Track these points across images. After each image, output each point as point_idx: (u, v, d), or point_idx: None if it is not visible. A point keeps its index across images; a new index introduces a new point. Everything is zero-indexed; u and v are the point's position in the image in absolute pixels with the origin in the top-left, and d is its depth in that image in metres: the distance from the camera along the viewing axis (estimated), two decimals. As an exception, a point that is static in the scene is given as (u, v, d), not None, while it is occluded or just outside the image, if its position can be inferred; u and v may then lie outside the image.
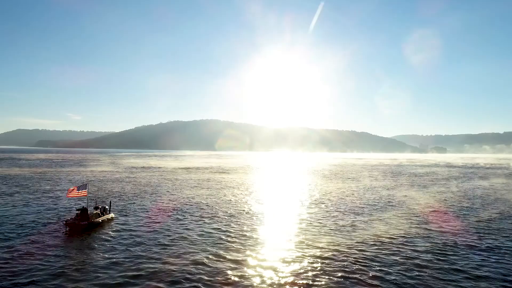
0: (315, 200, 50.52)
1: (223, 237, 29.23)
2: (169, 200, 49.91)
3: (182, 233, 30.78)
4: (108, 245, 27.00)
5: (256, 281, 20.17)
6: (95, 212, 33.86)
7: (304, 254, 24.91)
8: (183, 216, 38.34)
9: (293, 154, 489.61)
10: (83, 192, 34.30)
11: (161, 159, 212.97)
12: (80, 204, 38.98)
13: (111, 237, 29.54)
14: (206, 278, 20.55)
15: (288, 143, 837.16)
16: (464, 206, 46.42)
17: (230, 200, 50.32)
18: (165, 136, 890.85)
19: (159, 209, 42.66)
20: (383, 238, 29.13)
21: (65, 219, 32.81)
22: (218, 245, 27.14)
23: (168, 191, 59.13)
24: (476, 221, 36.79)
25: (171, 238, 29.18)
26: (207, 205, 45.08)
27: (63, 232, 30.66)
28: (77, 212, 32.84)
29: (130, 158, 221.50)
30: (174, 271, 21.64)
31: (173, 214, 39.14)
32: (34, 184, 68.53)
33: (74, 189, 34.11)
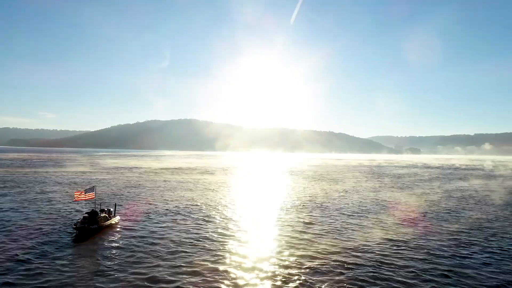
0: (304, 203, 50.15)
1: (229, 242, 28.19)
2: (167, 202, 49.07)
3: (192, 237, 30.40)
4: (120, 250, 26.15)
5: None
6: (103, 215, 32.84)
7: (292, 262, 24.19)
8: (186, 219, 38.08)
9: (272, 155, 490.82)
10: (91, 195, 33.63)
11: (141, 160, 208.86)
12: (75, 207, 37.74)
13: (122, 241, 28.69)
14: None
15: (267, 143, 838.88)
16: (451, 208, 47.06)
17: (224, 203, 49.38)
18: (143, 135, 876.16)
19: (159, 211, 42.09)
20: (376, 242, 28.94)
21: (75, 223, 31.57)
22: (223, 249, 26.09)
23: (162, 193, 57.71)
24: (466, 223, 37.33)
25: (180, 241, 28.81)
26: (203, 208, 43.81)
27: (73, 237, 29.60)
28: (86, 215, 31.69)
29: (108, 158, 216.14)
30: (189, 276, 21.24)
31: (178, 217, 38.66)
32: (26, 186, 65.85)
33: (81, 192, 33.46)
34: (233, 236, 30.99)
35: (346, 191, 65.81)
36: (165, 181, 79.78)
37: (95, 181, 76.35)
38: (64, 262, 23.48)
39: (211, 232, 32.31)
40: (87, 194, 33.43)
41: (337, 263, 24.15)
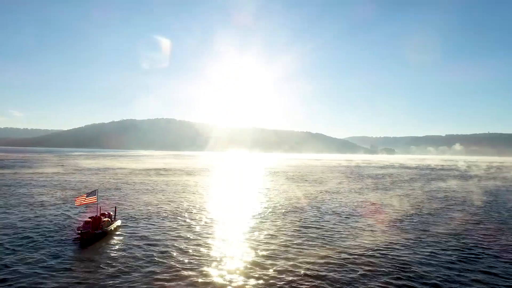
0: (287, 207, 48.99)
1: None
2: (163, 204, 47.89)
3: (196, 242, 29.56)
4: (127, 255, 25.66)
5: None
6: (105, 219, 31.94)
7: (287, 269, 22.94)
8: (188, 221, 37.70)
9: (250, 155, 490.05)
10: (93, 199, 32.78)
11: (117, 160, 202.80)
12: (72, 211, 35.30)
13: (127, 246, 28.13)
14: None
15: (244, 143, 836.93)
16: (437, 210, 46.90)
17: (208, 208, 47.51)
18: (119, 135, 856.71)
19: (159, 214, 41.22)
20: (366, 247, 27.96)
21: (78, 228, 30.24)
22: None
23: (156, 195, 55.39)
24: (456, 226, 37.10)
25: (184, 246, 28.41)
26: (195, 211, 41.92)
27: (78, 242, 28.73)
28: (88, 220, 30.52)
29: (82, 159, 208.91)
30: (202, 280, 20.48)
31: (176, 220, 38.19)
32: (8, 188, 61.99)
33: (82, 196, 32.77)
34: (231, 243, 29.39)
35: (329, 193, 65.20)
36: (143, 183, 76.94)
37: (67, 183, 72.70)
38: (71, 267, 23.11)
39: (209, 237, 30.60)
40: (88, 198, 32.65)
41: (324, 270, 22.99)
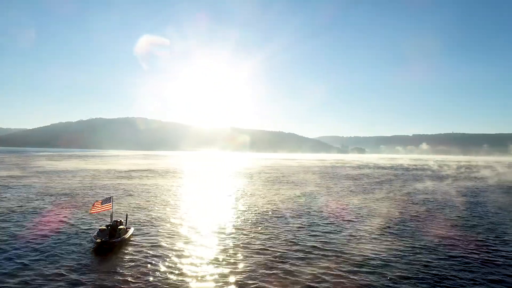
0: (266, 213, 45.23)
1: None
2: (169, 210, 43.80)
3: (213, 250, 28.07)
4: (150, 265, 24.50)
5: None
6: (122, 227, 30.28)
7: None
8: (198, 228, 35.66)
9: (222, 154, 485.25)
10: (108, 206, 31.25)
11: (85, 160, 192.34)
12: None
13: (146, 255, 26.70)
14: None
15: (216, 142, 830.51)
16: (424, 214, 45.00)
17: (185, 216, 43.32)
18: (87, 134, 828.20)
19: (168, 221, 38.67)
20: (357, 259, 24.60)
21: (95, 237, 28.54)
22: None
23: (156, 200, 49.82)
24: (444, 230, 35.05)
25: (201, 256, 26.70)
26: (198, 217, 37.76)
27: (95, 252, 27.06)
28: (103, 228, 29.31)
29: (47, 159, 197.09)
30: None
31: (184, 227, 36.28)
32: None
33: (98, 203, 31.23)
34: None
35: (309, 197, 61.89)
36: (119, 184, 71.02)
37: (26, 189, 65.88)
38: (95, 281, 21.67)
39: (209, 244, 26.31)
40: (104, 205, 31.03)
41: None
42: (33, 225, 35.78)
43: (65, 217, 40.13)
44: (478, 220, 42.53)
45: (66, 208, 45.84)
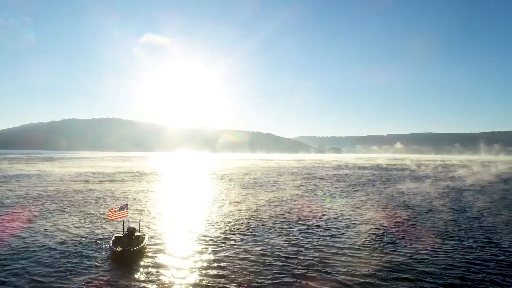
0: (250, 221, 41.36)
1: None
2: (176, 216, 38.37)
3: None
4: (174, 274, 23.43)
5: None
6: (139, 234, 29.51)
7: None
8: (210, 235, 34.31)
9: (199, 155, 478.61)
10: (125, 213, 30.33)
11: (55, 163, 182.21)
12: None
13: (166, 263, 25.50)
14: None
15: (193, 143, 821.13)
16: (410, 218, 42.16)
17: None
18: (59, 135, 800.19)
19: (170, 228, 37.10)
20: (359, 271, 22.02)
21: (114, 245, 27.11)
22: None
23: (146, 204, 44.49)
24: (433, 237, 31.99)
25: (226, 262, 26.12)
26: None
27: (115, 262, 25.50)
28: (120, 235, 28.82)
29: (15, 162, 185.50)
30: None
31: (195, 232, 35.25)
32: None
33: (114, 209, 30.59)
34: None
35: (292, 201, 58.07)
36: (92, 190, 64.89)
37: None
38: None
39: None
40: (120, 212, 30.15)
41: None
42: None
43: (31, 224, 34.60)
44: (471, 223, 39.83)
45: (24, 216, 40.15)
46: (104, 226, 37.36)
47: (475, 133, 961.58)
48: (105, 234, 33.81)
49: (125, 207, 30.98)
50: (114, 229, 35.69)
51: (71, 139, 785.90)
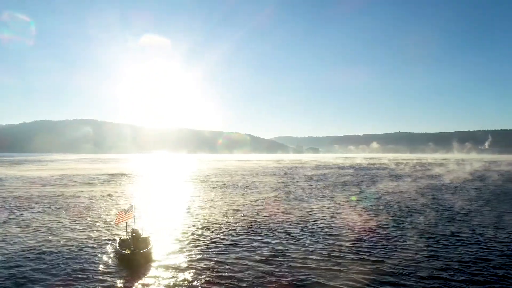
0: (226, 223, 39.30)
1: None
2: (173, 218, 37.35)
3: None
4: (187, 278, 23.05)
5: None
6: (146, 236, 28.89)
7: None
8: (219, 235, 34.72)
9: (177, 156, 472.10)
10: (130, 215, 29.82)
11: (25, 166, 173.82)
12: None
13: (174, 266, 25.38)
14: None
15: (169, 144, 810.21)
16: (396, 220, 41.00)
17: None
18: (30, 137, 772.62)
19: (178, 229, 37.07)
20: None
21: (121, 248, 27.23)
22: None
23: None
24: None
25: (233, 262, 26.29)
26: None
27: (126, 264, 25.31)
28: (125, 238, 28.94)
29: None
30: None
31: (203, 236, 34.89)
32: None
33: (121, 212, 30.07)
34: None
35: (274, 203, 56.19)
36: (60, 194, 60.78)
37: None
38: None
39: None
40: (127, 214, 29.61)
41: None
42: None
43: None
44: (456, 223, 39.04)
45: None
46: (100, 229, 36.65)
47: (447, 132, 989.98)
48: (101, 236, 33.07)
49: (131, 208, 30.48)
50: (111, 230, 34.60)
51: (43, 141, 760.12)
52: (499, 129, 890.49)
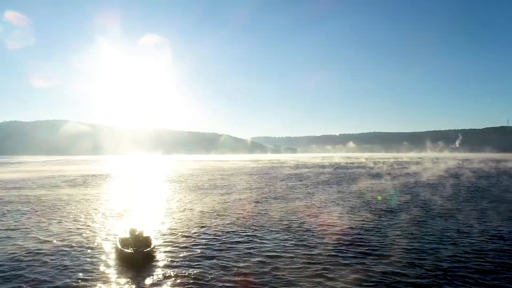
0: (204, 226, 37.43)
1: None
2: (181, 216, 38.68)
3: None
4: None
5: None
6: (147, 236, 28.45)
7: None
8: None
9: (150, 157, 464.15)
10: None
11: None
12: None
13: (178, 265, 24.94)
14: None
15: (144, 145, 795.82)
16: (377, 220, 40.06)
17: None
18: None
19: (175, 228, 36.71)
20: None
21: (125, 246, 26.62)
22: None
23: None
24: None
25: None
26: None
27: (128, 263, 24.83)
28: (126, 237, 27.96)
29: None
30: None
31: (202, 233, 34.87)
32: None
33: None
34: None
35: (254, 204, 54.46)
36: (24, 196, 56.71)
37: None
38: None
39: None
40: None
41: None
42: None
43: None
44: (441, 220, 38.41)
45: None
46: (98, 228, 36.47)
47: (420, 132, 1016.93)
48: (94, 237, 30.70)
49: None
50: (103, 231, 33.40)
51: (12, 142, 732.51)
52: (468, 128, 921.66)
